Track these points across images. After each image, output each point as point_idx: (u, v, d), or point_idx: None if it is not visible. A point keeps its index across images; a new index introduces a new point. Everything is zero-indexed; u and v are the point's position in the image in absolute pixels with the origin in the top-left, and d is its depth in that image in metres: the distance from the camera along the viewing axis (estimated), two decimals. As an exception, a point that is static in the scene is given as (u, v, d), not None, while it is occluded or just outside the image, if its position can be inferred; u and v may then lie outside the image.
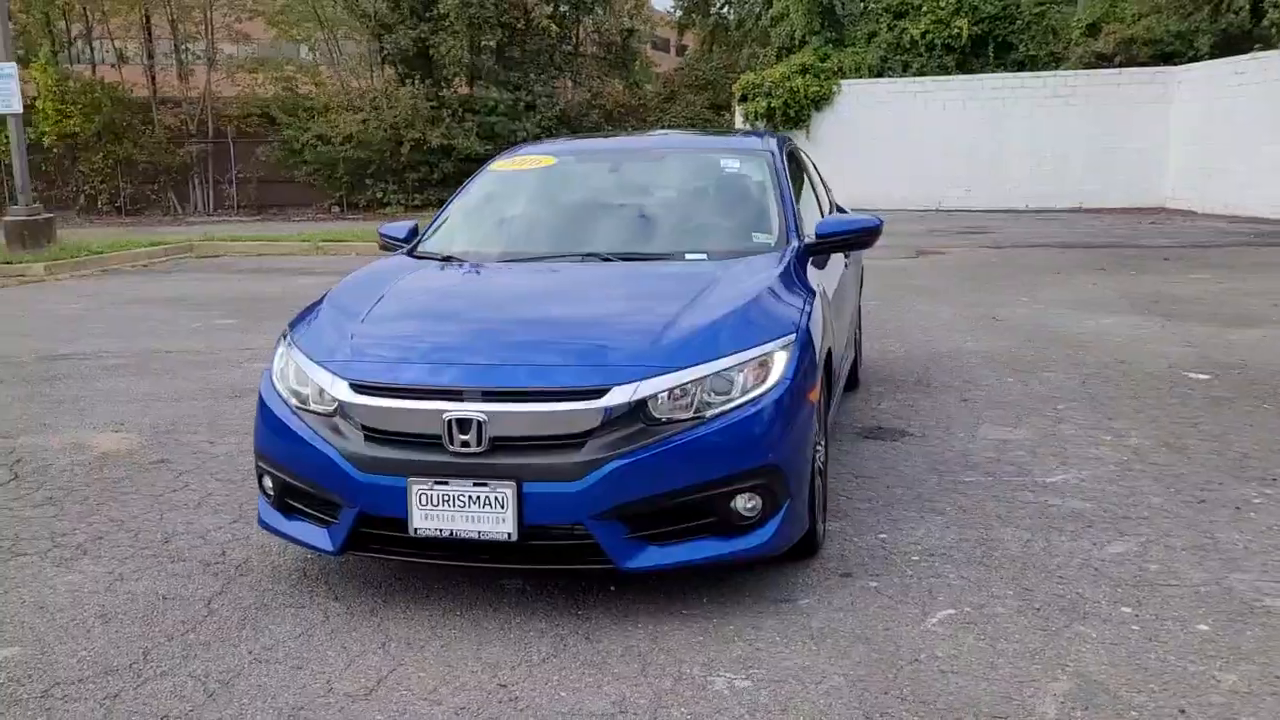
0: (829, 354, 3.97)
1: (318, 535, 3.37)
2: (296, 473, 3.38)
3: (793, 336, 3.47)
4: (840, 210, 6.05)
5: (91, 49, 28.26)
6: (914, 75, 24.00)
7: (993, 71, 23.44)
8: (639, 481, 3.11)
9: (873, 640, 3.13)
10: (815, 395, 3.50)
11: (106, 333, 9.03)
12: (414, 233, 4.77)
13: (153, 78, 28.28)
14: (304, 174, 26.39)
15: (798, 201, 5.02)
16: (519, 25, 26.79)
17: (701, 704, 2.78)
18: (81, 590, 3.60)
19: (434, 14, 25.64)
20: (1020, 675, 2.90)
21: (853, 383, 6.19)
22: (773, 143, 4.96)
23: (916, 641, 3.11)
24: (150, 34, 28.34)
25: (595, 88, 27.96)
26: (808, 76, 24.09)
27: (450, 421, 3.15)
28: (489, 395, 3.19)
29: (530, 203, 4.80)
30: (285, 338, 3.74)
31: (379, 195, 26.52)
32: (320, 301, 4.00)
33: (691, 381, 3.22)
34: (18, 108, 14.25)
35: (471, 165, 25.97)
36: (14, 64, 14.08)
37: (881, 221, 4.60)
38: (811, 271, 4.28)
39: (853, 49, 25.10)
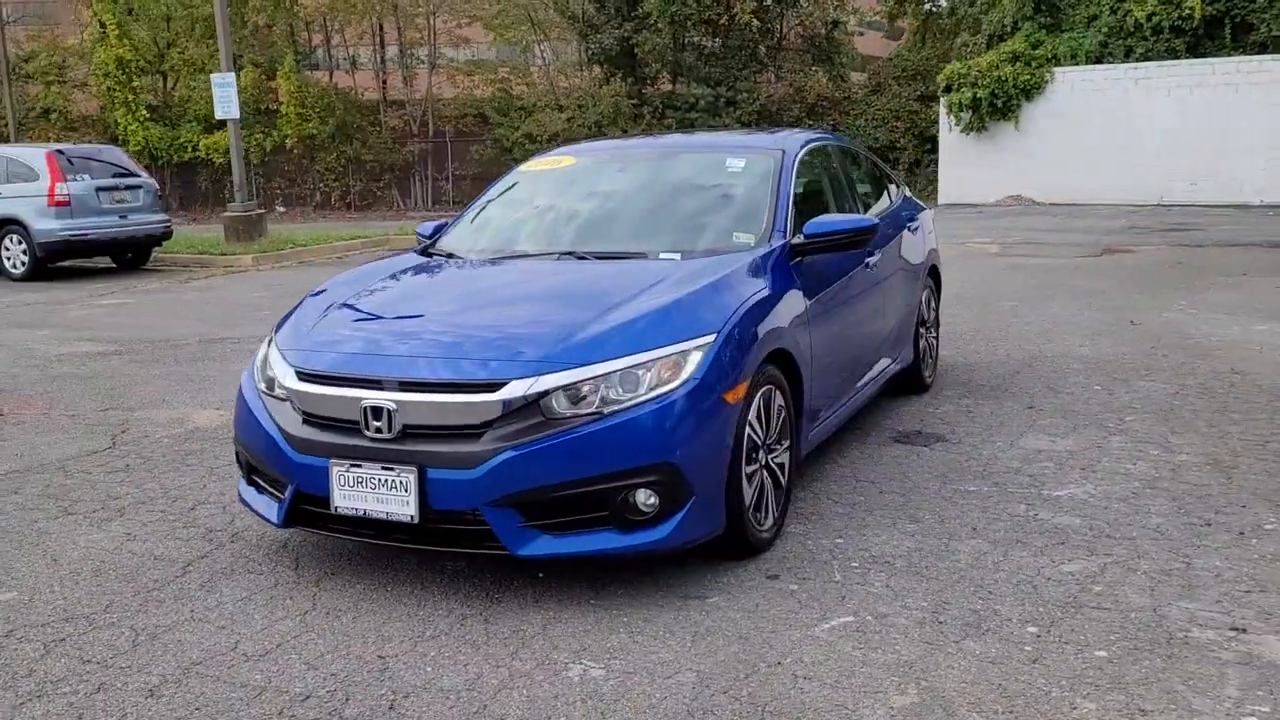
0: (791, 354, 3.95)
1: (270, 508, 3.69)
2: (254, 452, 3.73)
3: (712, 337, 3.51)
4: (913, 206, 5.98)
5: (330, 56, 30.49)
6: (1136, 61, 22.50)
7: (1229, 55, 21.65)
8: (531, 472, 3.25)
9: (750, 641, 3.15)
10: (736, 395, 3.52)
11: (268, 319, 9.87)
12: (440, 230, 5.06)
13: (384, 81, 30.28)
14: (516, 171, 27.49)
15: (836, 201, 5.01)
16: (721, 21, 26.91)
17: (544, 688, 2.91)
18: (95, 547, 4.07)
19: (638, 13, 26.16)
20: (871, 686, 2.87)
21: (917, 385, 6.05)
22: (792, 142, 4.94)
23: (791, 646, 3.11)
24: (382, 41, 30.30)
25: (798, 81, 27.74)
26: (1017, 65, 23.06)
27: (366, 408, 3.40)
28: (405, 385, 3.41)
29: (536, 202, 4.99)
30: (273, 331, 4.09)
31: (586, 191, 27.29)
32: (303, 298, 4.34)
33: (591, 378, 3.33)
34: (235, 113, 15.64)
35: (672, 161, 26.48)
36: (233, 74, 15.47)
37: (877, 222, 4.53)
38: (800, 271, 4.27)
39: (1069, 34, 23.79)
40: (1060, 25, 24.21)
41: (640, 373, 3.37)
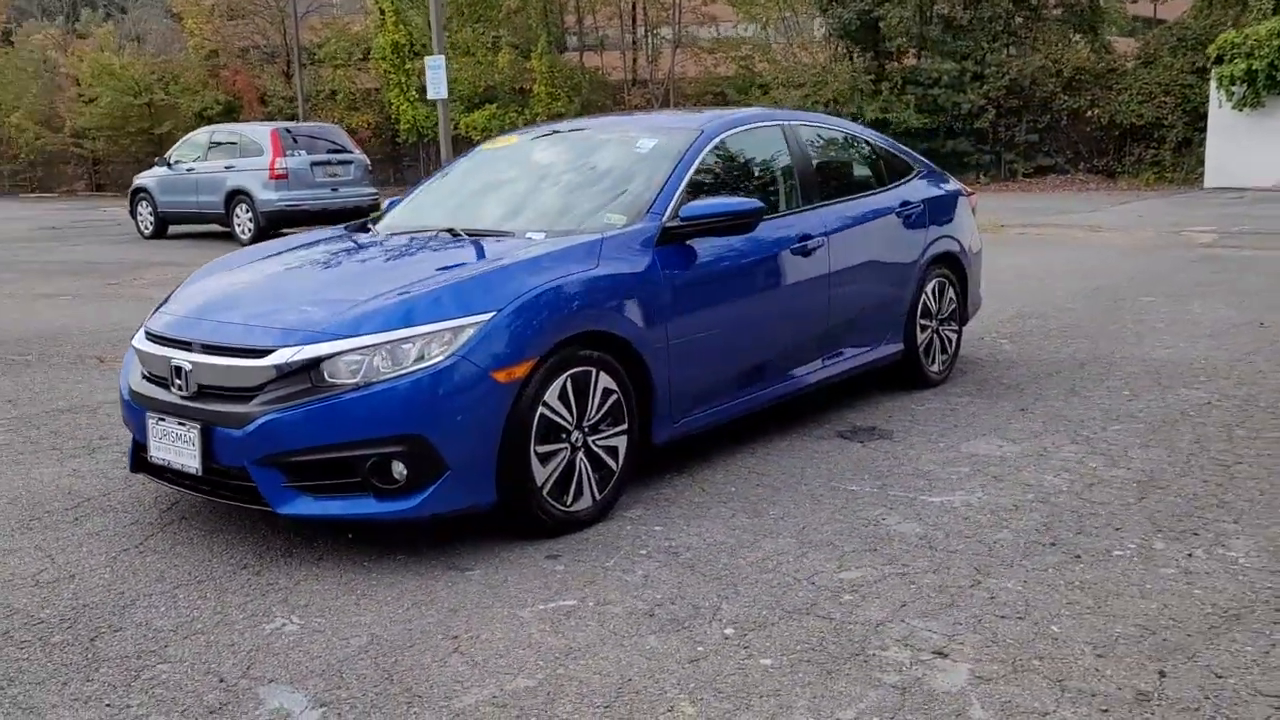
0: (624, 338, 3.97)
1: (129, 456, 4.11)
2: (122, 404, 4.15)
3: (489, 315, 3.58)
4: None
5: (581, 38, 31.59)
6: None
7: None
8: (290, 434, 3.47)
9: (457, 614, 3.23)
10: (512, 375, 3.57)
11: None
12: (392, 205, 5.34)
13: (634, 60, 31.09)
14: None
15: (774, 185, 4.91)
16: (973, -10, 25.63)
17: (232, 633, 3.13)
18: (34, 480, 4.65)
19: (883, -16, 25.42)
20: (510, 668, 2.90)
21: (919, 379, 5.79)
22: (717, 123, 4.84)
23: (484, 623, 3.17)
24: (635, 21, 31.08)
25: (1054, 53, 25.98)
26: (1303, 32, 20.63)
27: (172, 367, 3.74)
28: (206, 348, 3.72)
29: (466, 180, 5.16)
30: (177, 294, 4.51)
31: (818, 169, 26.93)
32: (211, 268, 4.72)
33: (357, 349, 3.50)
34: (444, 94, 16.63)
35: (911, 139, 25.60)
36: (443, 57, 16.45)
37: (758, 205, 4.38)
38: (675, 254, 4.24)
39: (1368, -3, 20.99)
40: (1359, -14, 21.38)
41: (406, 346, 3.51)
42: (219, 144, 15.85)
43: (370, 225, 5.06)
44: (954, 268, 6.02)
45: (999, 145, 26.38)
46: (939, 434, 5.02)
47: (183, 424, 3.67)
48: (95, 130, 31.88)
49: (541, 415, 3.70)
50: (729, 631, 3.09)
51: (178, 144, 17.06)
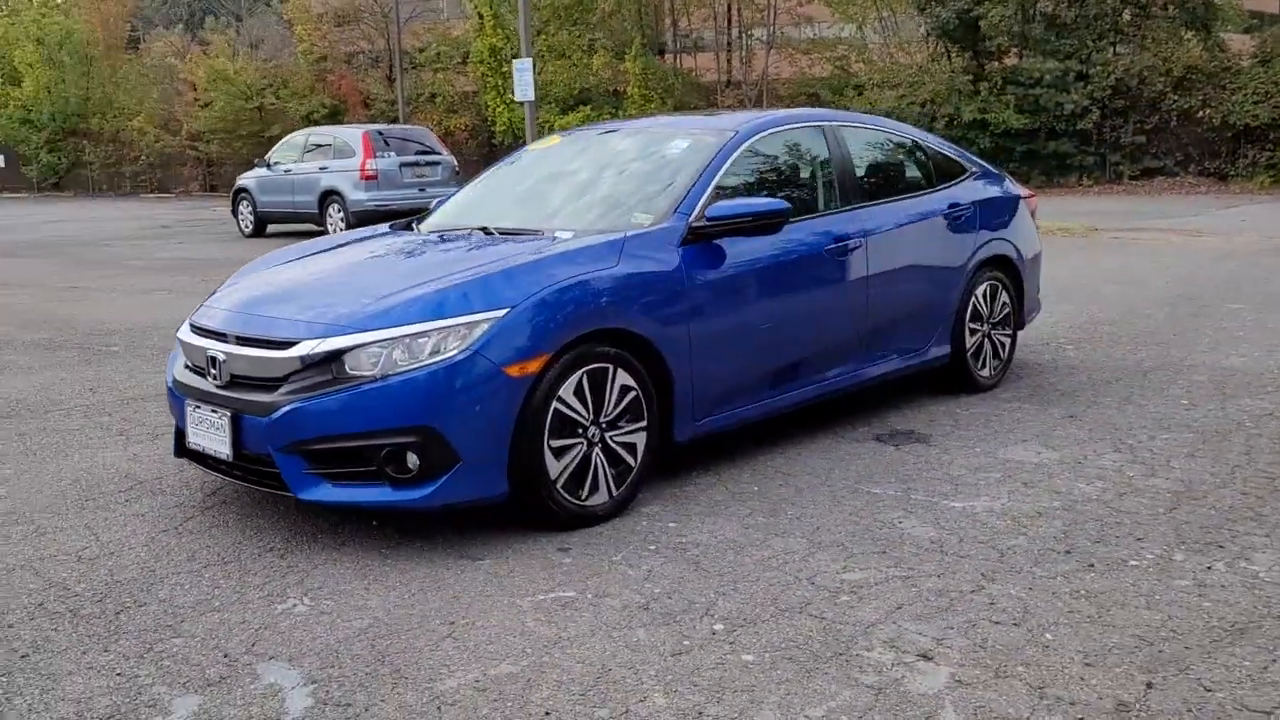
0: (644, 335, 4.03)
1: (174, 442, 4.31)
2: (167, 392, 4.36)
3: (504, 312, 3.68)
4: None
5: (675, 40, 31.67)
6: None
7: None
8: (310, 423, 3.61)
9: (459, 601, 3.32)
10: (525, 369, 3.66)
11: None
12: (440, 204, 5.48)
13: (729, 62, 31.08)
14: (845, 150, 27.27)
15: (811, 185, 4.93)
16: (1079, -13, 24.97)
17: (248, 611, 3.28)
18: (96, 462, 4.91)
19: (984, -18, 24.93)
20: (497, 654, 2.98)
21: (966, 384, 5.72)
22: (752, 124, 4.86)
23: (483, 611, 3.25)
24: (730, 22, 31.06)
25: (1164, 51, 25.13)
26: None
27: (209, 357, 3.92)
28: (240, 340, 3.89)
29: (510, 179, 5.27)
30: (227, 288, 4.71)
31: (914, 171, 26.56)
32: (258, 263, 4.91)
33: (375, 342, 3.62)
34: (531, 95, 16.89)
35: (1010, 140, 25.11)
36: (530, 60, 16.72)
37: (785, 206, 4.41)
38: (700, 253, 4.29)
39: None
40: None
41: (423, 340, 3.62)
42: (315, 146, 16.36)
43: (415, 224, 5.20)
44: (1008, 271, 5.92)
45: (1104, 147, 25.64)
46: (978, 439, 4.95)
47: (215, 411, 3.84)
48: (209, 133, 33.12)
49: (556, 410, 3.77)
50: (718, 627, 3.12)
51: (277, 146, 17.67)
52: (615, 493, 4.00)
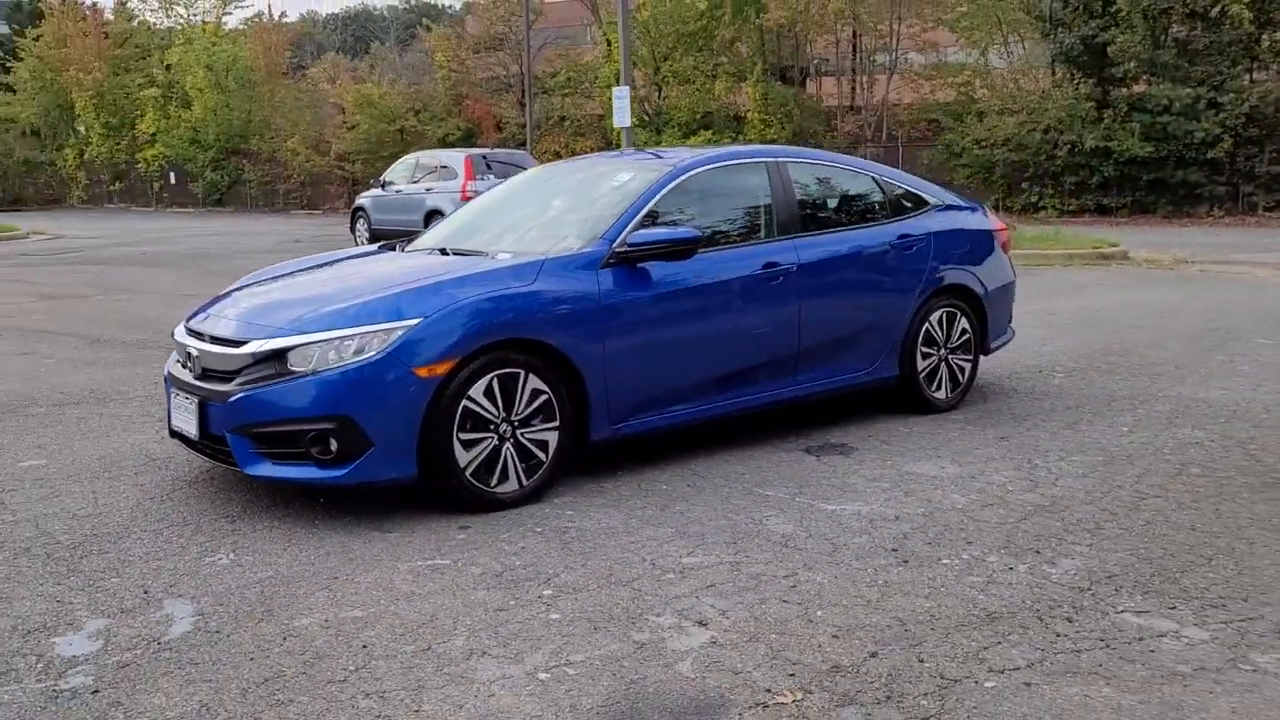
0: (554, 345, 4.59)
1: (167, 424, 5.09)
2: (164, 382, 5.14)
3: (417, 321, 4.32)
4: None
5: (797, 65, 32.01)
6: None
7: None
8: (253, 409, 4.32)
9: (356, 564, 3.95)
10: (434, 371, 4.28)
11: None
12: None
13: (853, 88, 31.29)
14: (963, 177, 27.16)
15: (744, 217, 5.43)
16: (1212, 14, 24.29)
17: (184, 564, 3.98)
18: (135, 443, 5.76)
19: (1111, 9, 24.52)
20: (349, 602, 3.60)
21: (919, 404, 6.08)
22: (688, 161, 5.39)
23: (355, 570, 3.88)
24: (855, 49, 31.26)
25: (1304, 80, 24.22)
26: None
27: (188, 352, 4.69)
28: (212, 339, 4.64)
29: (490, 205, 5.93)
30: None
31: (1034, 200, 26.29)
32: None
33: (308, 343, 4.31)
34: (628, 122, 17.60)
35: (1135, 169, 24.60)
36: (628, 87, 17.45)
37: (696, 235, 4.91)
38: (620, 275, 4.84)
39: None
40: None
41: (349, 343, 4.29)
42: (424, 168, 17.46)
43: (400, 244, 5.90)
44: (968, 300, 6.24)
45: (1236, 176, 24.84)
46: (896, 454, 5.33)
47: (189, 398, 4.60)
48: (354, 153, 35.10)
49: (465, 407, 4.38)
50: (547, 592, 3.66)
51: (391, 168, 18.90)
52: (525, 483, 4.58)
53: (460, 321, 4.40)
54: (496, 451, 4.49)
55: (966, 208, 6.52)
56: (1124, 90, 25.73)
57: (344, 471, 4.27)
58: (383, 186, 18.19)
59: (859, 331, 5.76)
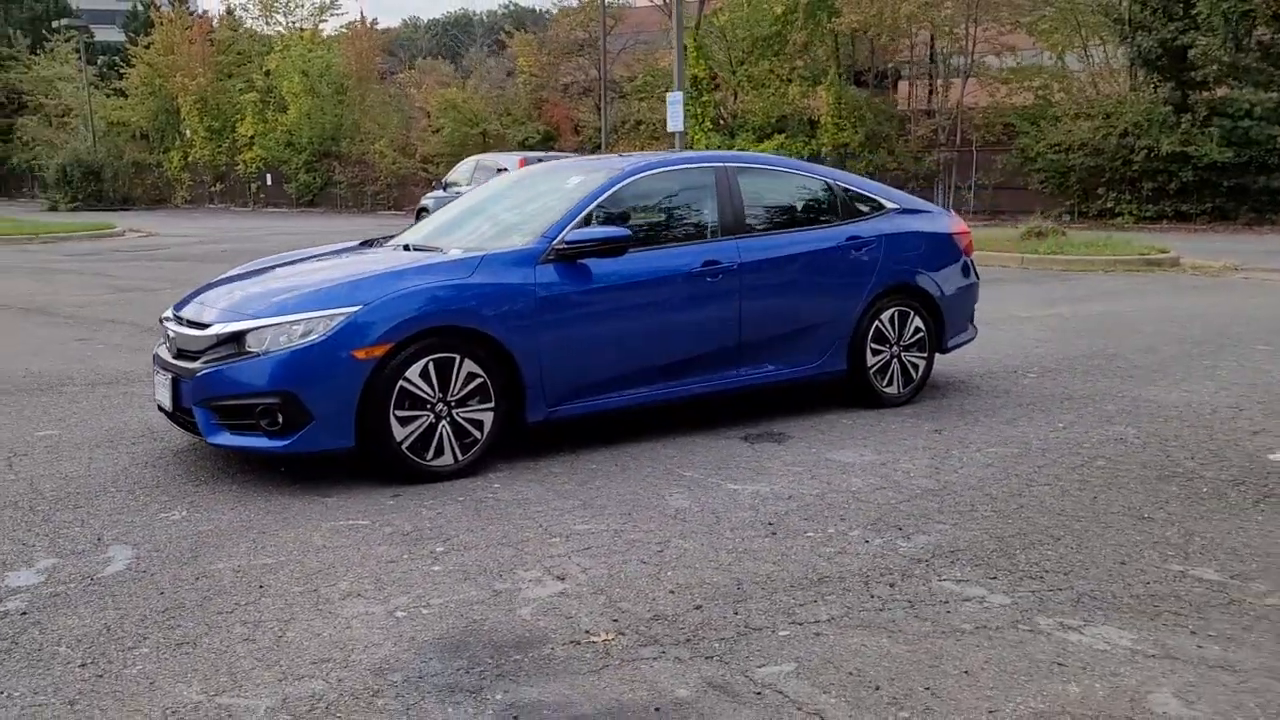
0: (488, 334, 5.02)
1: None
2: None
3: (356, 308, 4.81)
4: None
5: (871, 69, 31.98)
6: None
7: None
8: (213, 385, 4.86)
9: (274, 520, 4.47)
10: (371, 354, 4.77)
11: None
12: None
13: (930, 91, 31.18)
14: (1037, 182, 26.91)
15: (689, 218, 5.83)
16: (1298, 15, 23.69)
17: (142, 519, 4.53)
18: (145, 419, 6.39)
19: (1192, 12, 24.08)
20: (261, 560, 4.10)
21: (869, 399, 6.38)
22: (631, 166, 5.80)
23: (273, 529, 4.38)
24: (931, 53, 31.14)
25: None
26: None
27: (168, 333, 5.26)
28: (188, 323, 5.21)
29: (460, 206, 6.41)
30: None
31: (1109, 205, 25.93)
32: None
33: (261, 327, 4.84)
34: (681, 127, 18.03)
35: (1215, 175, 24.10)
36: (681, 93, 17.87)
37: (625, 234, 5.32)
38: (559, 271, 5.28)
39: None
40: None
41: (297, 327, 4.81)
42: (484, 169, 18.12)
43: (380, 240, 6.42)
44: (921, 299, 6.51)
45: (1322, 183, 24.17)
46: (826, 442, 5.65)
47: (164, 374, 5.17)
48: (438, 156, 36.18)
49: (402, 387, 4.86)
50: (440, 549, 4.11)
51: (453, 169, 19.61)
52: (460, 458, 5.04)
53: (398, 309, 4.87)
54: (432, 428, 4.96)
55: (925, 212, 6.79)
56: (1204, 94, 25.22)
57: (288, 442, 4.79)
58: (445, 187, 18.92)
59: (805, 327, 6.09)
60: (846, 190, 6.51)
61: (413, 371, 4.88)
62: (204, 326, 5.04)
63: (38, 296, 12.47)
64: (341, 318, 4.80)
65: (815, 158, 30.38)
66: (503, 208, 6.09)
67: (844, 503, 4.62)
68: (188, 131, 44.20)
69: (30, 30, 49.58)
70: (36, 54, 47.41)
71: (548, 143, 33.96)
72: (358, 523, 4.44)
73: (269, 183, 41.92)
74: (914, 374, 6.54)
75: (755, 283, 5.87)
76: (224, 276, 5.99)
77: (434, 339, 4.94)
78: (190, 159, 44.37)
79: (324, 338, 4.76)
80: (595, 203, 5.55)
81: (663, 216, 5.88)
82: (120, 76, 45.45)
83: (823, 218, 6.35)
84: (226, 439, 4.92)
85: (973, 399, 6.67)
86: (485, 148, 35.55)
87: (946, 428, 5.93)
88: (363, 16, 43.61)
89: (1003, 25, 28.72)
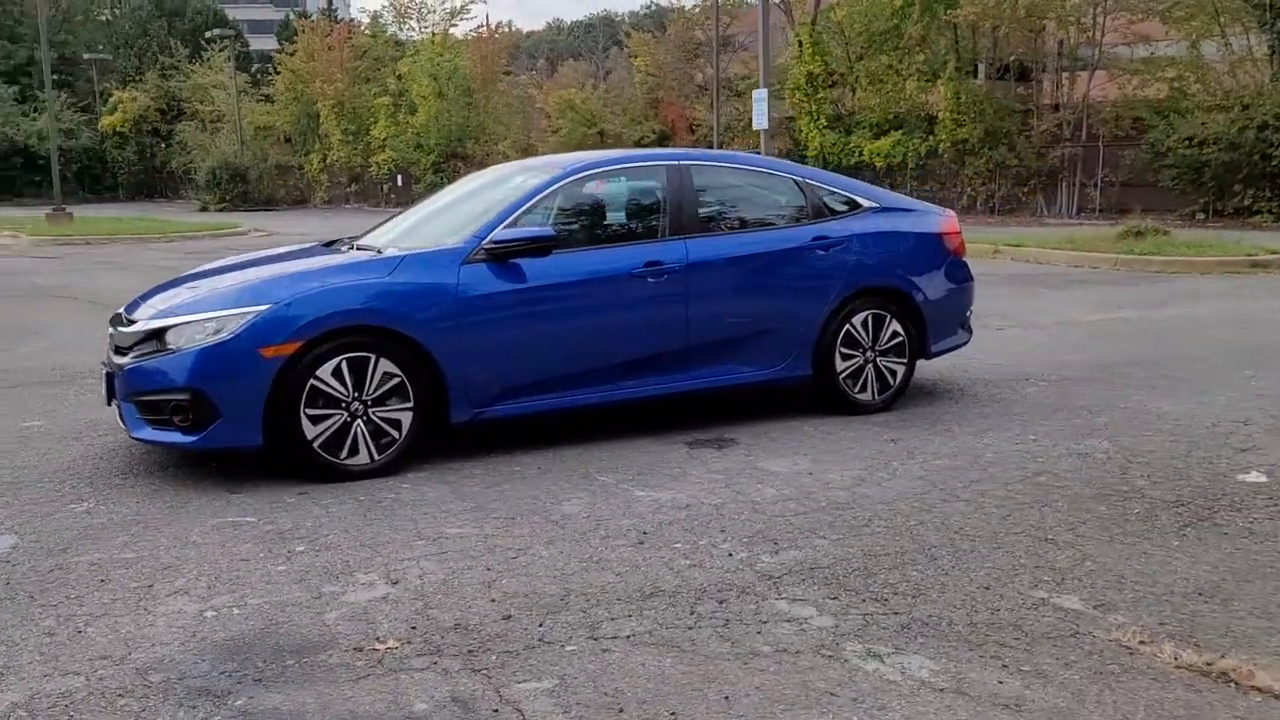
0: (407, 334, 5.01)
1: (113, 395, 5.87)
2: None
3: (266, 307, 4.86)
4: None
5: (992, 63, 30.81)
6: None
7: None
8: (134, 381, 4.98)
9: (178, 513, 4.55)
10: (279, 352, 4.81)
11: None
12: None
13: (1056, 85, 29.92)
14: (1168, 179, 25.49)
15: (639, 218, 5.74)
16: None
17: (47, 507, 4.69)
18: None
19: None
20: (123, 553, 4.18)
21: (840, 404, 6.15)
22: (573, 166, 5.70)
23: (164, 524, 4.46)
24: (1060, 48, 29.85)
25: None
26: None
27: (110, 332, 5.43)
28: (126, 319, 5.36)
29: (421, 207, 6.40)
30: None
31: (1247, 203, 24.37)
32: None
33: (177, 324, 4.94)
34: (765, 124, 17.72)
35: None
36: (765, 90, 17.54)
37: (549, 234, 5.23)
38: (489, 270, 5.24)
39: None
40: None
41: (211, 324, 4.89)
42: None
43: (341, 242, 6.46)
44: (900, 302, 6.20)
45: None
46: (768, 450, 5.43)
47: (104, 370, 5.33)
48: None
49: (313, 386, 4.89)
50: (300, 549, 4.11)
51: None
52: (377, 458, 5.04)
53: (307, 308, 4.90)
54: (346, 427, 4.97)
55: (911, 211, 6.47)
56: (1356, 82, 23.45)
57: (196, 438, 4.87)
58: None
59: (764, 330, 5.87)
60: (817, 189, 6.25)
61: (325, 370, 4.90)
62: (131, 323, 5.17)
63: (122, 293, 13.09)
64: (251, 315, 4.85)
65: (932, 154, 29.54)
66: (463, 208, 6.06)
67: (737, 513, 4.42)
68: (327, 134, 45.97)
69: (190, 40, 52.35)
70: (195, 63, 50.01)
71: (662, 142, 33.93)
72: (242, 520, 4.48)
73: (399, 183, 43.15)
74: (891, 380, 6.24)
75: (705, 284, 5.69)
76: (184, 275, 6.14)
77: (347, 337, 4.95)
78: (328, 161, 46.07)
79: (232, 335, 4.82)
80: (530, 203, 5.47)
81: (606, 216, 5.75)
82: (269, 84, 47.55)
83: (789, 217, 6.11)
84: (148, 434, 5.03)
85: (956, 407, 6.32)
86: (602, 146, 35.83)
87: (906, 437, 5.63)
88: (488, 20, 44.43)
89: (1134, 13, 27.28)
